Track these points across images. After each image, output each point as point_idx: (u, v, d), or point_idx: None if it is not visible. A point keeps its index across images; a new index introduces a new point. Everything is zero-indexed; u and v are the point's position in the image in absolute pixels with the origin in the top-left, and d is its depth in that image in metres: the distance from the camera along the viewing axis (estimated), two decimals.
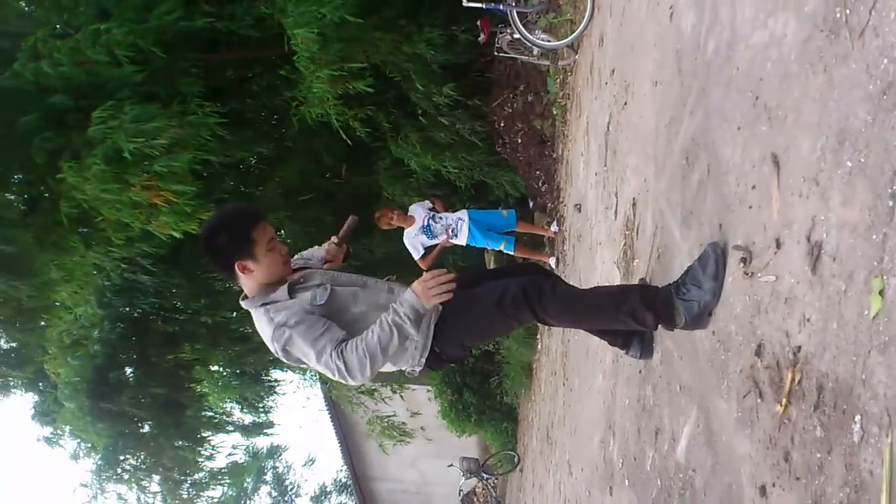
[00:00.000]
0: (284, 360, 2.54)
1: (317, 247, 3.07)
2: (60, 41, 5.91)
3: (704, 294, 2.18)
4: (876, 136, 1.42)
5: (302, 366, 2.53)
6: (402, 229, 7.06)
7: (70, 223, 6.15)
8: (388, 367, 2.57)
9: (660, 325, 2.36)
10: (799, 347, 1.65)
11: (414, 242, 7.01)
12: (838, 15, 1.61)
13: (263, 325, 2.49)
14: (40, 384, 10.37)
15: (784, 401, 1.68)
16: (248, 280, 2.50)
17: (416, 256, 7.07)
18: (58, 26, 6.20)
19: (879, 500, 1.25)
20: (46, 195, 6.34)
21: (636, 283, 2.44)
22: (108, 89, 5.87)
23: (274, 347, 2.47)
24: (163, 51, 6.16)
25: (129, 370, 9.31)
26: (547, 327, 8.43)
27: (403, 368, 2.61)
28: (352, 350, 2.34)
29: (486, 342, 9.78)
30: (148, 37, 6.01)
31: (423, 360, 2.54)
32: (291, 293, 2.48)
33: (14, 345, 9.42)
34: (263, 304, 2.48)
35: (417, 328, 2.41)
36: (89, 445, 9.66)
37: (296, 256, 2.93)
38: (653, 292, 2.36)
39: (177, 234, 6.41)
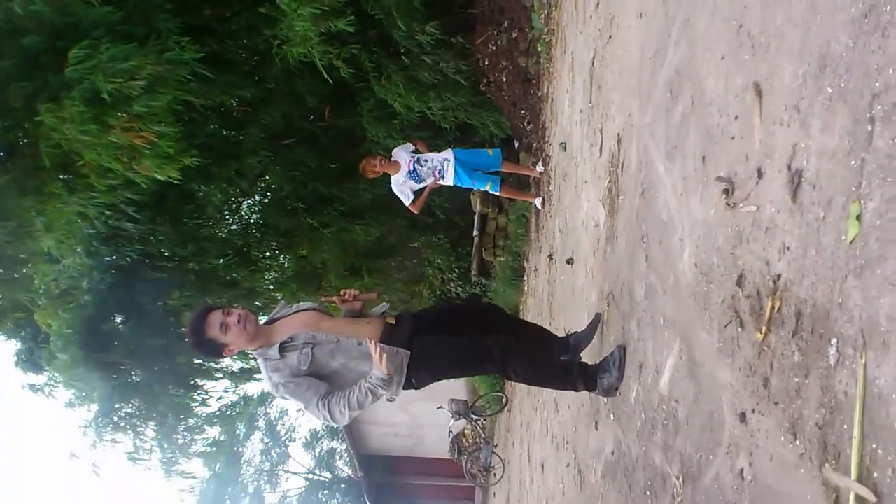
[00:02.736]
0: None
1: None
2: None
3: (613, 379, 3.13)
4: (857, 59, 1.41)
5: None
6: (389, 175, 7.00)
7: (52, 168, 6.02)
8: None
9: (585, 386, 3.27)
10: (779, 276, 1.66)
11: (402, 189, 6.96)
12: None
13: (263, 373, 3.26)
14: (22, 332, 10.29)
15: (764, 328, 1.70)
16: (242, 348, 3.28)
17: (406, 202, 7.02)
18: None
19: (853, 419, 1.28)
20: (25, 141, 6.19)
21: (578, 366, 3.38)
22: (83, 29, 5.69)
23: (273, 393, 3.27)
24: None
25: (119, 319, 9.27)
26: (533, 268, 8.47)
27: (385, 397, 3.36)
28: (335, 403, 3.14)
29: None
30: None
31: (400, 390, 3.26)
32: (282, 352, 3.19)
33: None
34: (262, 357, 3.24)
35: (389, 387, 3.15)
36: (83, 395, 9.68)
37: (294, 306, 3.57)
38: (588, 373, 3.26)
39: (160, 177, 6.28)
